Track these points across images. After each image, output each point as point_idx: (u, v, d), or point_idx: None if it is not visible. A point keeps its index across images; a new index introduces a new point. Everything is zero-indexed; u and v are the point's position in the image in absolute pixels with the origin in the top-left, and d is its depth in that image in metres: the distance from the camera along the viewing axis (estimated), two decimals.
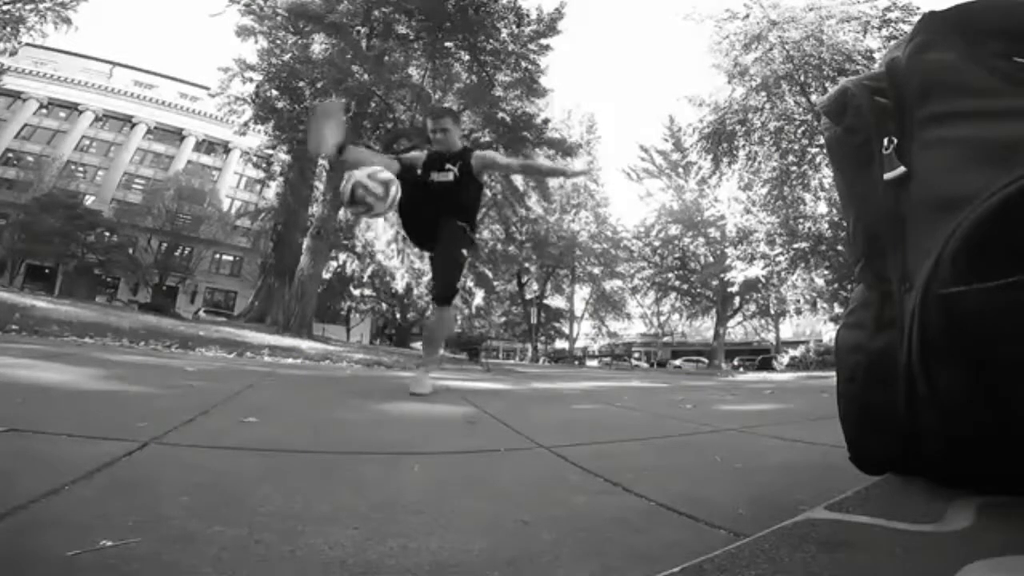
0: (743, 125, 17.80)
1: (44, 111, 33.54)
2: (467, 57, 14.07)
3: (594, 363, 31.47)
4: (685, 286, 27.37)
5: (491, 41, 13.78)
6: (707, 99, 18.62)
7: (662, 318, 32.39)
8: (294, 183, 18.41)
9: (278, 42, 13.66)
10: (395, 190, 2.13)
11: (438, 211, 2.52)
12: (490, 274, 23.63)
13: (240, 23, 13.59)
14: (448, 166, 2.56)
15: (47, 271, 28.55)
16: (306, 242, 14.44)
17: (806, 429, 1.71)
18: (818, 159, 16.96)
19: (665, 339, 35.68)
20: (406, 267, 23.77)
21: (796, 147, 17.37)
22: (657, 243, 27.52)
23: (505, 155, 2.88)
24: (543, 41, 14.34)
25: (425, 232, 2.59)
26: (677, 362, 33.09)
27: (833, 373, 0.77)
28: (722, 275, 24.19)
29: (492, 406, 2.12)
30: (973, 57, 0.60)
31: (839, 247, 17.13)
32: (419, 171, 2.58)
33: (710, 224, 25.84)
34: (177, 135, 36.69)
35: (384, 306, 31.95)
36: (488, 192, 15.88)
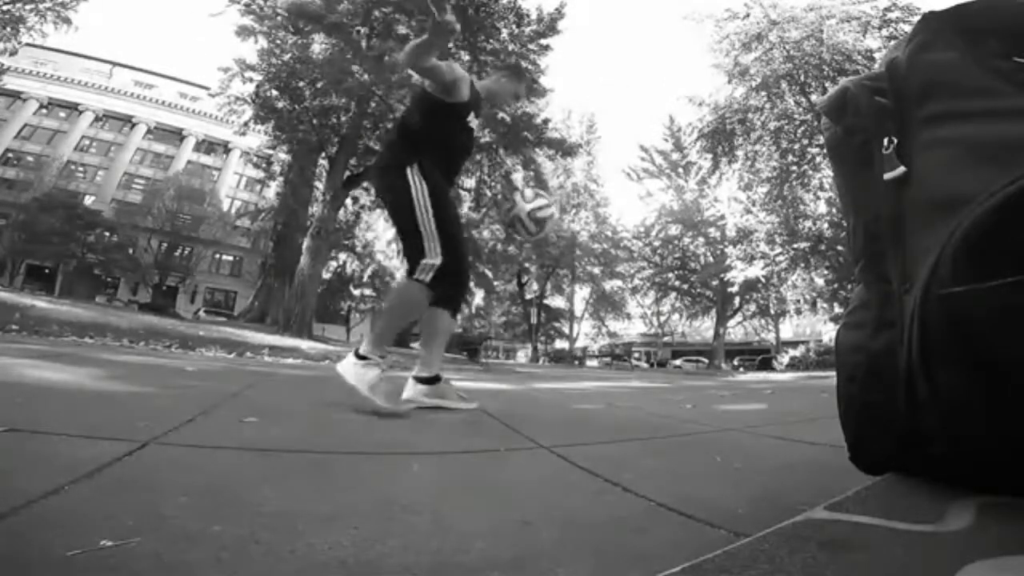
0: (743, 125, 17.81)
1: (44, 111, 33.55)
2: (467, 57, 14.06)
3: (594, 363, 31.47)
4: (685, 286, 27.36)
5: (491, 41, 13.78)
6: (707, 99, 18.66)
7: (662, 318, 32.38)
8: (294, 183, 18.43)
9: (278, 42, 13.63)
10: (549, 226, 2.11)
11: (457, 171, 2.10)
12: (490, 274, 23.60)
13: (240, 23, 13.59)
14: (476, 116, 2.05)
15: (47, 271, 28.55)
16: (306, 242, 14.43)
17: (806, 429, 1.71)
18: (818, 159, 16.97)
19: (665, 339, 35.68)
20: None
21: (796, 147, 17.38)
22: (657, 243, 27.51)
23: None
24: (543, 41, 14.37)
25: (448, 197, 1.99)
26: (677, 362, 33.08)
27: (833, 373, 0.77)
28: (722, 275, 24.16)
29: (492, 406, 2.12)
30: (973, 57, 0.60)
31: (839, 247, 17.14)
32: (464, 102, 1.91)
33: (710, 224, 25.83)
34: (177, 135, 36.70)
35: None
36: (488, 192, 15.90)
